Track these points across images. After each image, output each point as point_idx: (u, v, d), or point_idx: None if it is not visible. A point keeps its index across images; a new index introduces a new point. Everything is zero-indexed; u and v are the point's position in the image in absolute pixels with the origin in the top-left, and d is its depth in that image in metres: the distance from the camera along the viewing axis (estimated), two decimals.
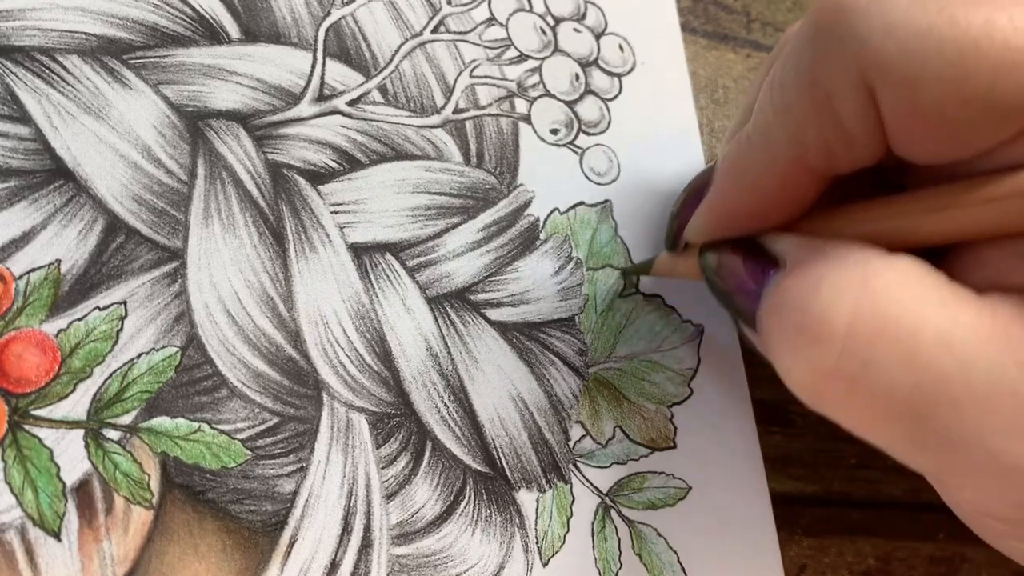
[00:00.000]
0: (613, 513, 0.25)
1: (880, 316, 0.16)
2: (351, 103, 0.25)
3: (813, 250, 0.18)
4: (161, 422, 0.21)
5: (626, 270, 0.27)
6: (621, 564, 0.25)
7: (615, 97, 0.29)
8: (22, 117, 0.22)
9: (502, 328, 0.25)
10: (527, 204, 0.26)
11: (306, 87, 0.25)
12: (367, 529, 0.22)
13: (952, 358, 0.16)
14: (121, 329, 0.21)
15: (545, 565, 0.24)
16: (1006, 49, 0.15)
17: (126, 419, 0.21)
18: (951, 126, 0.16)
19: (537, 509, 0.24)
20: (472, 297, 0.25)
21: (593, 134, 0.28)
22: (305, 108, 0.25)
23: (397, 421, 0.23)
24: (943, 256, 0.18)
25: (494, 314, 0.25)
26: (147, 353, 0.21)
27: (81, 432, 0.20)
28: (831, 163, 0.18)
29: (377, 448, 0.23)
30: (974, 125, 0.16)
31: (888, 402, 0.16)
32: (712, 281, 0.22)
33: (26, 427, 0.20)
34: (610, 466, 0.25)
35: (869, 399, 0.17)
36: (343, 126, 0.25)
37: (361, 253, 0.24)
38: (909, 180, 0.20)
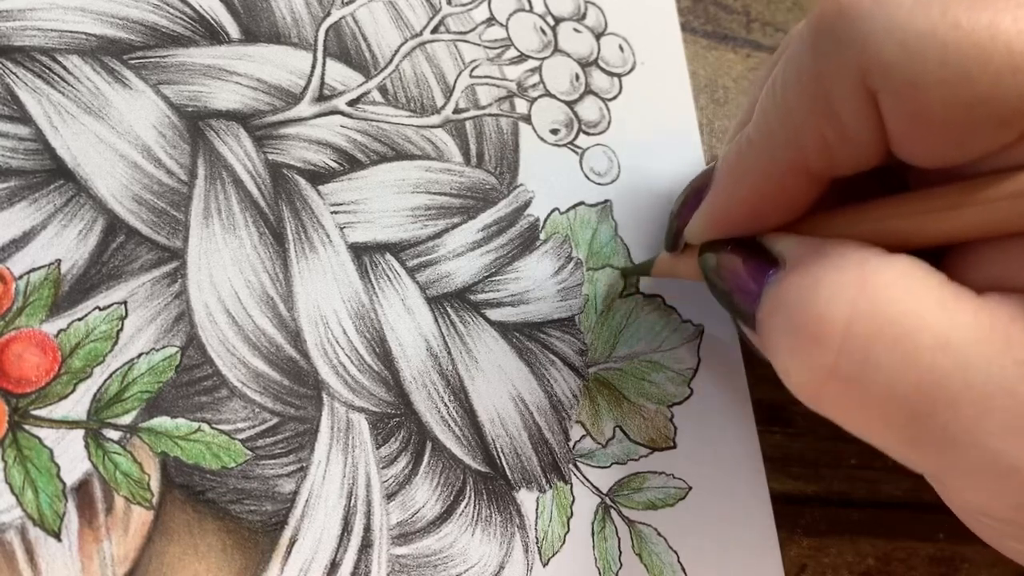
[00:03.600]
0: (613, 513, 0.25)
1: (878, 316, 0.16)
2: (351, 103, 0.25)
3: (812, 250, 0.18)
4: (161, 422, 0.21)
5: (626, 271, 0.27)
6: (621, 564, 0.25)
7: (615, 97, 0.29)
8: (22, 117, 0.22)
9: (502, 328, 0.25)
10: (527, 204, 0.26)
11: (306, 87, 0.25)
12: (367, 529, 0.22)
13: (950, 359, 0.16)
14: (121, 329, 0.21)
15: (545, 565, 0.24)
16: (1009, 53, 0.15)
17: (126, 419, 0.21)
18: (953, 130, 0.16)
19: (537, 509, 0.24)
20: (472, 297, 0.25)
21: (593, 134, 0.28)
22: (305, 108, 0.25)
23: (397, 421, 0.23)
24: (943, 256, 0.18)
25: (494, 314, 0.25)
26: (147, 353, 0.21)
27: (81, 432, 0.20)
28: (831, 165, 0.18)
29: (377, 448, 0.23)
30: (976, 129, 0.16)
31: (886, 403, 0.16)
32: (712, 281, 0.22)
33: (26, 427, 0.20)
34: (610, 466, 0.25)
35: (867, 399, 0.17)
36: (343, 126, 0.25)
37: (361, 253, 0.24)
38: (911, 180, 0.20)
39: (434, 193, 0.25)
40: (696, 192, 0.23)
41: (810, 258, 0.18)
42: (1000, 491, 0.16)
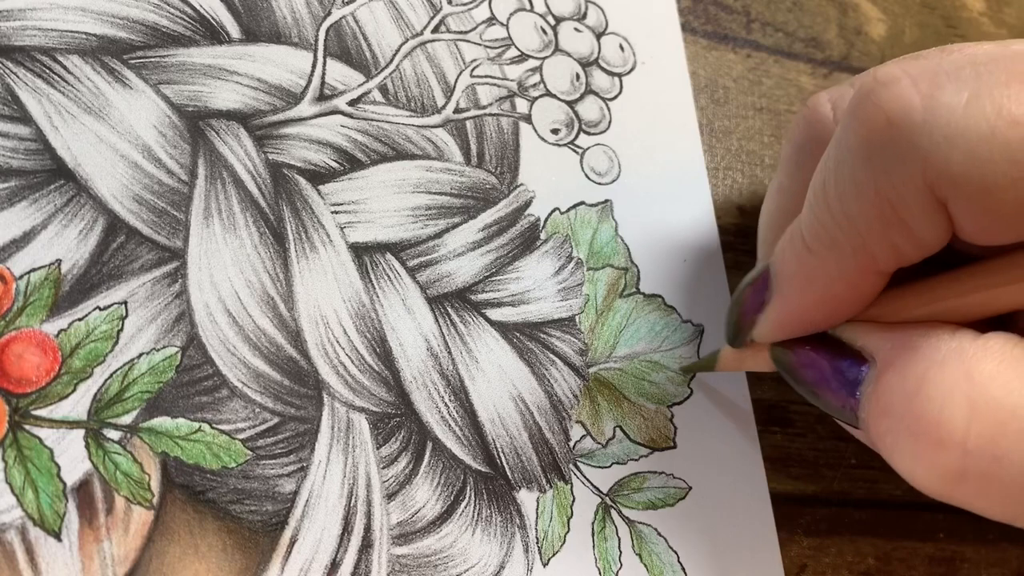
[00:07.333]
0: (613, 513, 0.25)
1: (997, 409, 0.16)
2: (352, 103, 0.25)
3: (901, 344, 0.19)
4: (162, 422, 0.21)
5: (688, 368, 0.27)
6: (621, 564, 0.25)
7: (616, 97, 0.29)
8: (22, 117, 0.22)
9: (503, 328, 0.25)
10: (527, 204, 0.26)
11: (307, 87, 0.25)
12: (367, 529, 0.22)
13: None
14: (121, 329, 0.21)
15: (545, 565, 0.24)
16: None
17: (126, 419, 0.21)
18: None
19: (537, 509, 0.24)
20: (473, 297, 0.25)
21: (594, 134, 0.28)
22: (306, 108, 0.24)
23: (397, 421, 0.23)
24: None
25: (495, 314, 0.25)
26: (147, 353, 0.21)
27: (81, 432, 0.20)
28: (900, 260, 0.19)
29: (377, 448, 0.23)
30: None
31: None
32: (792, 377, 0.22)
33: (27, 427, 0.20)
34: (610, 466, 0.25)
35: (1004, 492, 0.17)
36: (344, 126, 0.25)
37: (362, 253, 0.24)
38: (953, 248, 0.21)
39: (434, 193, 0.25)
40: (754, 291, 0.23)
41: (903, 353, 0.18)
42: None
